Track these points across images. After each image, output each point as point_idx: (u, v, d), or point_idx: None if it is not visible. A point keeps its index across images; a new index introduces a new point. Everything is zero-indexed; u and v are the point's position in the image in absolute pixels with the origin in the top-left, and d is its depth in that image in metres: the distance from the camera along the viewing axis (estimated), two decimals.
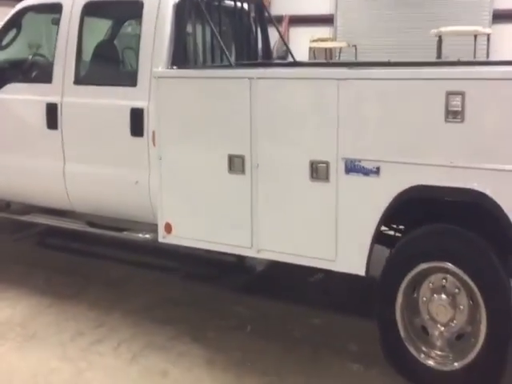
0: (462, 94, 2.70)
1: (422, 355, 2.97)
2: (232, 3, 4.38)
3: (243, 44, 4.59)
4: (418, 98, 2.83)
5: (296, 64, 4.82)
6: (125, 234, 4.09)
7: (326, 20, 12.37)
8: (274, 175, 3.25)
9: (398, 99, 2.88)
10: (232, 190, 3.38)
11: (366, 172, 3.00)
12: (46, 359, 3.32)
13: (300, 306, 3.92)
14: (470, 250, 2.83)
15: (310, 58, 11.26)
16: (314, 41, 11.48)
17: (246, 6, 4.56)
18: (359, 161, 3.00)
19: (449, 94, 2.72)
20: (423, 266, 2.92)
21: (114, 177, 3.97)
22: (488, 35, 9.94)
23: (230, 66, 3.78)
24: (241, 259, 4.68)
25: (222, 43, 3.88)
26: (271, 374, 3.14)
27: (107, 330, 3.64)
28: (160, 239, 3.69)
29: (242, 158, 3.32)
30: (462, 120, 2.72)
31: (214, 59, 4.19)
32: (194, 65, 3.94)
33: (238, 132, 3.32)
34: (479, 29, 9.60)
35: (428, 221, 3.01)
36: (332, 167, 3.06)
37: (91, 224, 4.30)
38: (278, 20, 12.59)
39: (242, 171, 3.32)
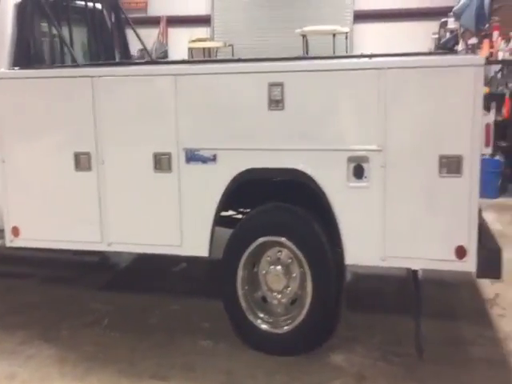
0: (281, 84, 3.03)
1: (260, 322, 3.26)
2: (83, 3, 4.41)
3: (99, 44, 4.64)
4: (246, 89, 3.13)
5: (151, 63, 4.96)
6: None
7: (204, 20, 12.67)
8: (120, 169, 3.37)
9: (229, 91, 3.15)
10: (80, 187, 3.44)
11: (205, 160, 3.23)
12: None
13: (160, 296, 4.07)
14: (297, 224, 3.18)
15: (189, 58, 11.47)
16: (192, 41, 11.72)
17: (99, 6, 4.61)
18: (198, 150, 3.22)
19: (270, 85, 3.04)
20: (260, 240, 3.21)
21: None
22: (346, 34, 10.84)
23: (76, 65, 3.82)
24: (104, 258, 4.71)
25: (67, 43, 3.91)
26: (123, 362, 3.23)
27: None
28: (8, 244, 3.62)
29: (87, 154, 3.39)
30: (283, 108, 3.05)
31: (64, 60, 4.19)
32: (41, 65, 3.91)
33: (83, 130, 3.39)
34: (337, 28, 10.45)
35: (266, 201, 3.31)
36: (174, 158, 3.25)
37: None
38: (156, 21, 12.71)
39: (89, 168, 3.40)
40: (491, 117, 2.86)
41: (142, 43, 5.65)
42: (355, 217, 3.02)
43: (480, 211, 3.47)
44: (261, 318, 3.27)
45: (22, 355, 3.33)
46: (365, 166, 2.97)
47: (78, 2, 4.40)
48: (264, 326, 3.25)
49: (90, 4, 4.49)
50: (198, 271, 4.52)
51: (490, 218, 5.97)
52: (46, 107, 3.46)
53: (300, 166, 3.07)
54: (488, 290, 4.10)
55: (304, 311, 3.15)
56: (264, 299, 3.33)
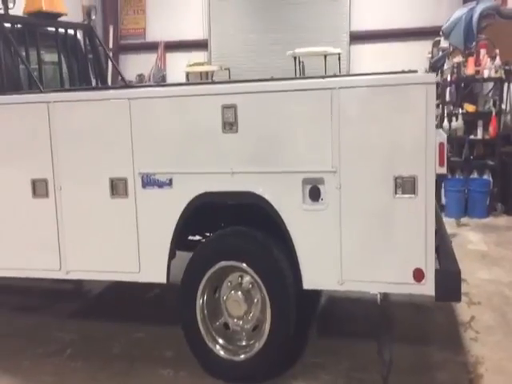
0: (234, 106, 2.98)
1: (219, 348, 3.16)
2: (54, 30, 4.44)
3: (73, 70, 4.66)
4: (200, 112, 3.08)
5: (126, 87, 4.97)
6: None
7: (201, 45, 12.85)
8: (78, 196, 3.32)
9: (183, 114, 3.09)
10: (37, 215, 3.39)
11: (161, 184, 3.17)
12: None
13: (127, 323, 3.97)
14: (255, 249, 3.09)
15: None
16: (190, 65, 11.87)
17: (72, 32, 4.64)
18: (154, 174, 3.17)
19: (224, 107, 2.99)
20: (218, 265, 3.12)
21: None
22: (339, 54, 10.89)
23: (38, 91, 3.80)
24: (77, 285, 4.64)
25: (29, 69, 3.91)
26: None
27: None
28: None
29: (45, 181, 3.35)
30: (237, 130, 3.00)
31: (32, 86, 4.20)
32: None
33: (40, 156, 3.35)
34: (328, 49, 10.47)
35: (228, 224, 3.23)
36: (130, 183, 3.20)
37: None
38: (155, 46, 12.89)
39: (46, 195, 3.35)
40: (444, 135, 2.78)
41: (116, 67, 5.68)
42: (312, 240, 2.93)
43: (444, 232, 3.38)
44: (220, 345, 3.17)
45: None
46: (321, 187, 2.90)
47: (49, 29, 4.42)
48: (222, 353, 3.15)
49: (62, 30, 4.52)
50: (170, 297, 4.41)
51: (476, 238, 5.88)
52: (2, 133, 3.44)
53: (255, 189, 3.00)
54: (464, 312, 3.96)
55: (263, 338, 3.04)
56: (226, 325, 3.24)
